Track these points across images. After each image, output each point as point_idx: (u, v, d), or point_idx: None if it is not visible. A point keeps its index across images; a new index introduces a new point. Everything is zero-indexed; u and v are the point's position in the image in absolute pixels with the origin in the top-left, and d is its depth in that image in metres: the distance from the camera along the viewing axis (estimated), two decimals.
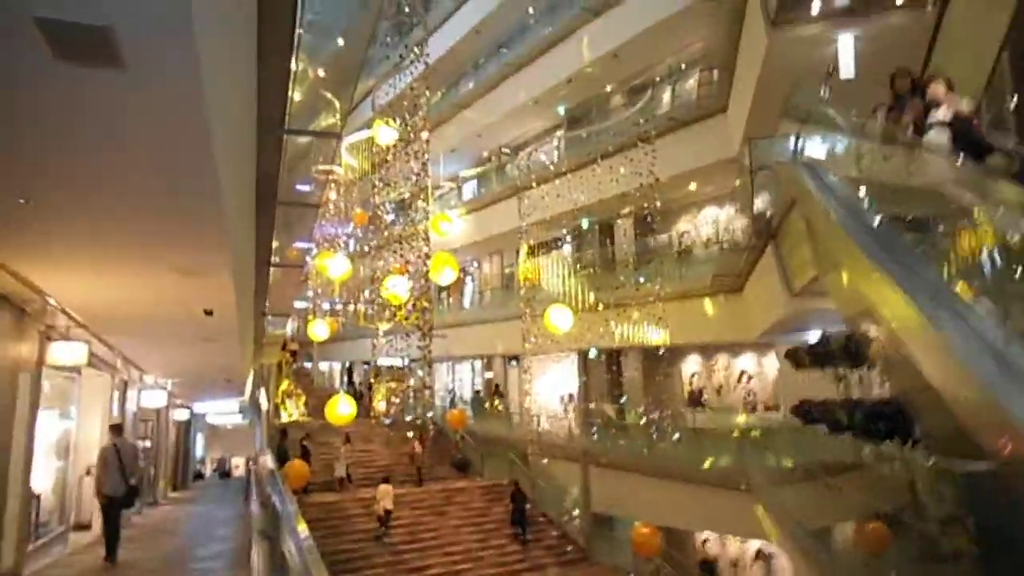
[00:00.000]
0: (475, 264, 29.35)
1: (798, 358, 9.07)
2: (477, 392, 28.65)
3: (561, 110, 22.98)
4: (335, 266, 16.06)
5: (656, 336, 15.52)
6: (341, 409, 13.89)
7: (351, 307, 26.91)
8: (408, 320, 16.98)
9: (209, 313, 7.81)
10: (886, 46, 10.45)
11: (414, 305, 13.30)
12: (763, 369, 17.16)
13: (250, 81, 5.10)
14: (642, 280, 16.18)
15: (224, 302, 7.50)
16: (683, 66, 19.04)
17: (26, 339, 7.55)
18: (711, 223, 18.73)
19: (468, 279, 30.34)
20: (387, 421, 18.18)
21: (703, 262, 17.23)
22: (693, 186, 17.64)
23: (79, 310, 7.84)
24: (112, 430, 9.43)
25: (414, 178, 13.39)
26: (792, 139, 9.45)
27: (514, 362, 25.80)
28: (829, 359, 7.95)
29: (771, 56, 10.88)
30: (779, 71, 11.12)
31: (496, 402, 26.52)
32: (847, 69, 10.42)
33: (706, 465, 13.77)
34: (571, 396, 24.51)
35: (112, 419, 11.26)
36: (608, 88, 21.26)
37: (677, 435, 14.94)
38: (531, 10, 23.10)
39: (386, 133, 13.87)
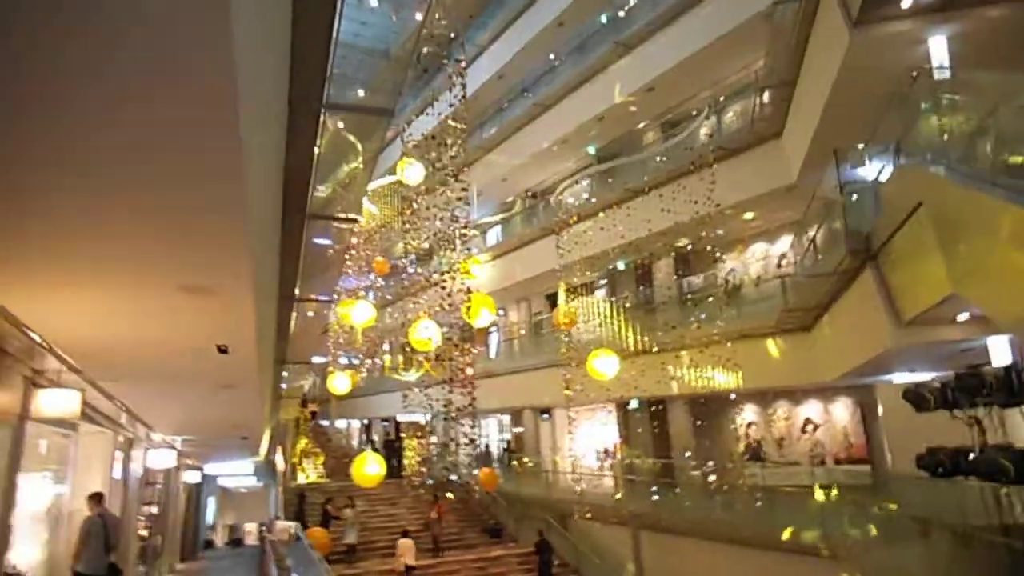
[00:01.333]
0: (501, 312, 28.03)
1: (920, 398, 7.62)
2: (485, 447, 26.97)
3: (591, 149, 22.07)
4: (358, 313, 14.91)
5: (718, 380, 14.08)
6: (369, 469, 12.47)
7: (373, 359, 25.60)
8: (438, 369, 15.67)
9: (223, 351, 6.51)
10: (981, 45, 9.38)
11: (457, 347, 12.05)
12: (831, 417, 15.52)
13: (284, 34, 3.95)
14: (697, 319, 14.80)
15: (242, 336, 6.21)
16: (722, 98, 18.11)
17: (5, 385, 6.27)
18: (760, 259, 17.40)
19: (493, 328, 28.99)
20: (428, 481, 16.57)
21: (759, 300, 15.81)
22: (749, 215, 16.39)
23: (70, 348, 6.56)
24: (92, 500, 8.13)
25: (449, 214, 12.27)
26: (892, 148, 8.28)
27: (546, 415, 24.20)
28: (977, 396, 6.51)
29: (851, 60, 9.75)
30: (860, 77, 10.01)
31: (520, 459, 24.84)
32: (941, 71, 9.27)
33: (785, 536, 12.08)
34: (607, 451, 22.81)
35: (112, 483, 9.91)
36: (641, 125, 20.33)
37: (758, 496, 13.23)
38: (553, 56, 22.55)
39: (414, 171, 12.84)
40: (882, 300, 8.39)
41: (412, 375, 19.39)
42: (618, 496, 17.08)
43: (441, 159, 12.01)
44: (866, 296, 9.09)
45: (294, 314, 10.73)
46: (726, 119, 17.59)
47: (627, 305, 17.47)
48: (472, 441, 12.81)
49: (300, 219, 6.21)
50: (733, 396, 13.45)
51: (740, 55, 16.13)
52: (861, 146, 9.57)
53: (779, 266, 16.78)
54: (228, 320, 5.63)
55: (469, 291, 10.75)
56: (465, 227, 10.99)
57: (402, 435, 24.36)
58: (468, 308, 11.49)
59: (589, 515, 16.29)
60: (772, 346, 13.87)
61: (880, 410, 12.53)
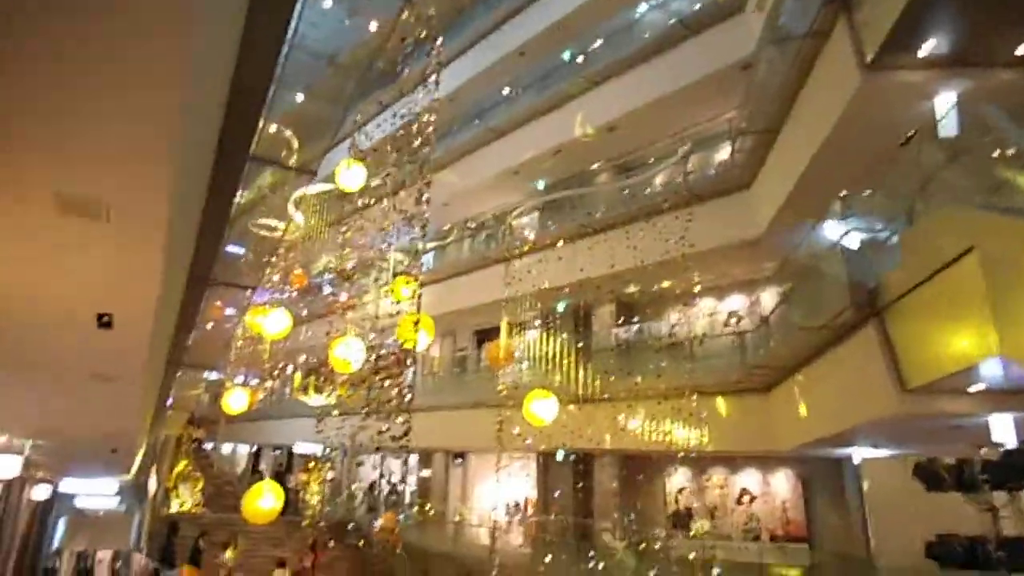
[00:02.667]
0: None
1: (934, 476, 6.72)
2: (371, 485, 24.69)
3: (541, 184, 21.17)
4: (272, 321, 13.10)
5: (659, 438, 13.05)
6: (264, 502, 10.60)
7: (275, 379, 23.24)
8: (355, 395, 13.98)
9: (106, 323, 4.80)
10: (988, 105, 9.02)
11: (398, 364, 10.46)
12: (770, 489, 14.71)
13: None
14: (655, 368, 13.82)
15: (136, 303, 4.55)
16: (686, 146, 17.61)
17: None
18: (708, 314, 16.72)
19: (409, 361, 27.09)
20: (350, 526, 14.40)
21: (712, 355, 14.99)
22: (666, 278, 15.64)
23: None
24: None
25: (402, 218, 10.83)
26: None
27: (459, 460, 22.47)
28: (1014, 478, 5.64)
29: (855, 106, 9.18)
30: (861, 125, 9.47)
31: (423, 506, 22.89)
32: (948, 127, 8.81)
33: None
34: (518, 505, 21.29)
35: None
36: (596, 165, 19.65)
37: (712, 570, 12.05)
38: (512, 85, 21.73)
39: (355, 174, 11.35)
40: (885, 362, 7.55)
41: (322, 399, 17.43)
42: (547, 559, 15.49)
43: (406, 156, 10.59)
44: (860, 358, 8.27)
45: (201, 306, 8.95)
46: (688, 167, 17.03)
47: (577, 346, 16.27)
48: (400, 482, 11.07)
49: (240, 159, 4.69)
50: (690, 454, 12.38)
51: (711, 103, 15.70)
52: (867, 193, 8.89)
53: (726, 324, 16.17)
54: (121, 271, 4.01)
55: (419, 296, 9.27)
56: (424, 227, 9.50)
57: (309, 465, 21.92)
58: (415, 322, 9.88)
59: None
60: (723, 406, 12.99)
61: (865, 486, 11.73)
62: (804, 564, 13.38)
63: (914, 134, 9.40)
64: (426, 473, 23.44)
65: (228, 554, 13.99)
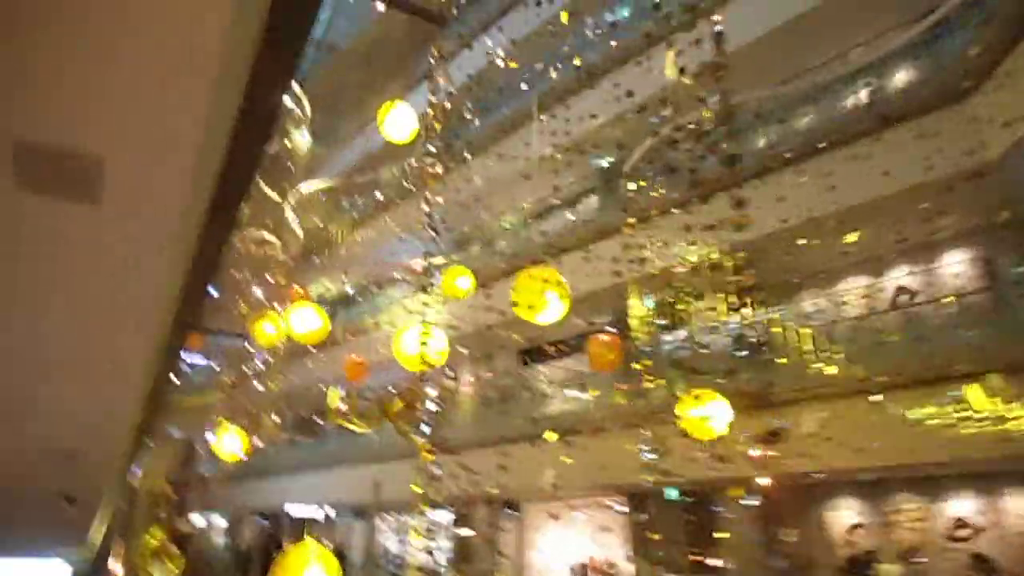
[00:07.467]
0: (450, 372, 21.71)
1: None
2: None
3: (605, 162, 17.41)
4: (300, 319, 8.86)
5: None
6: None
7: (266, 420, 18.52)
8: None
9: None
10: None
11: None
12: (1001, 517, 10.67)
13: None
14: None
15: None
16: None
17: None
18: (862, 295, 12.92)
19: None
20: None
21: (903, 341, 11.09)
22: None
23: None
24: None
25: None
26: None
27: (512, 512, 17.85)
28: None
29: None
30: None
31: None
32: None
33: None
34: (584, 567, 16.75)
35: None
36: (688, 125, 15.96)
37: None
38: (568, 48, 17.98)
39: (404, 117, 7.40)
40: None
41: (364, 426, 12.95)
42: None
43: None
44: None
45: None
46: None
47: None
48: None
49: None
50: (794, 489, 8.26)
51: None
52: None
53: (894, 303, 12.42)
54: None
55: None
56: None
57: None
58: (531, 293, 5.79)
59: None
60: (977, 395, 9.02)
61: None
62: None
63: None
64: (467, 533, 18.63)
65: None
